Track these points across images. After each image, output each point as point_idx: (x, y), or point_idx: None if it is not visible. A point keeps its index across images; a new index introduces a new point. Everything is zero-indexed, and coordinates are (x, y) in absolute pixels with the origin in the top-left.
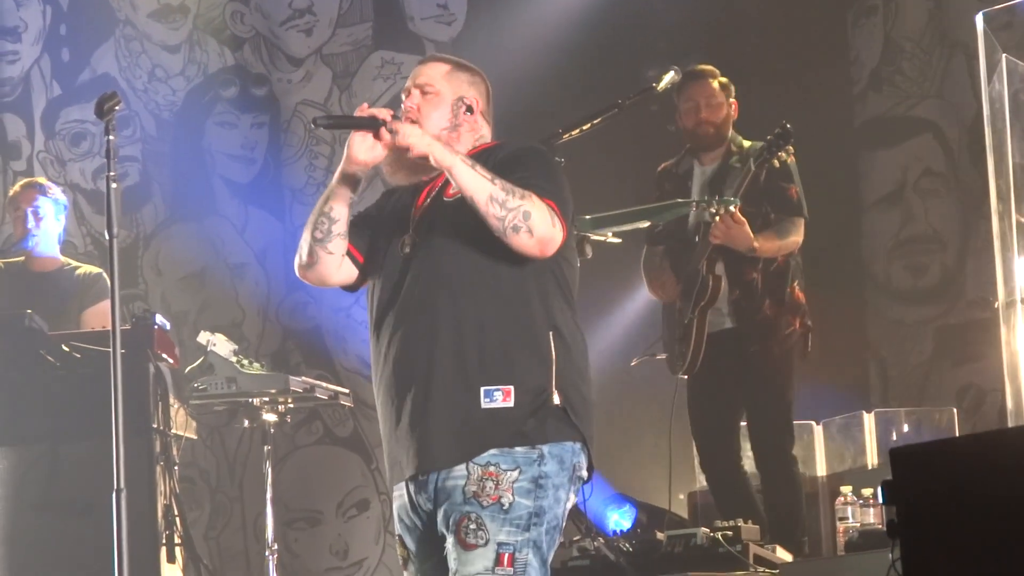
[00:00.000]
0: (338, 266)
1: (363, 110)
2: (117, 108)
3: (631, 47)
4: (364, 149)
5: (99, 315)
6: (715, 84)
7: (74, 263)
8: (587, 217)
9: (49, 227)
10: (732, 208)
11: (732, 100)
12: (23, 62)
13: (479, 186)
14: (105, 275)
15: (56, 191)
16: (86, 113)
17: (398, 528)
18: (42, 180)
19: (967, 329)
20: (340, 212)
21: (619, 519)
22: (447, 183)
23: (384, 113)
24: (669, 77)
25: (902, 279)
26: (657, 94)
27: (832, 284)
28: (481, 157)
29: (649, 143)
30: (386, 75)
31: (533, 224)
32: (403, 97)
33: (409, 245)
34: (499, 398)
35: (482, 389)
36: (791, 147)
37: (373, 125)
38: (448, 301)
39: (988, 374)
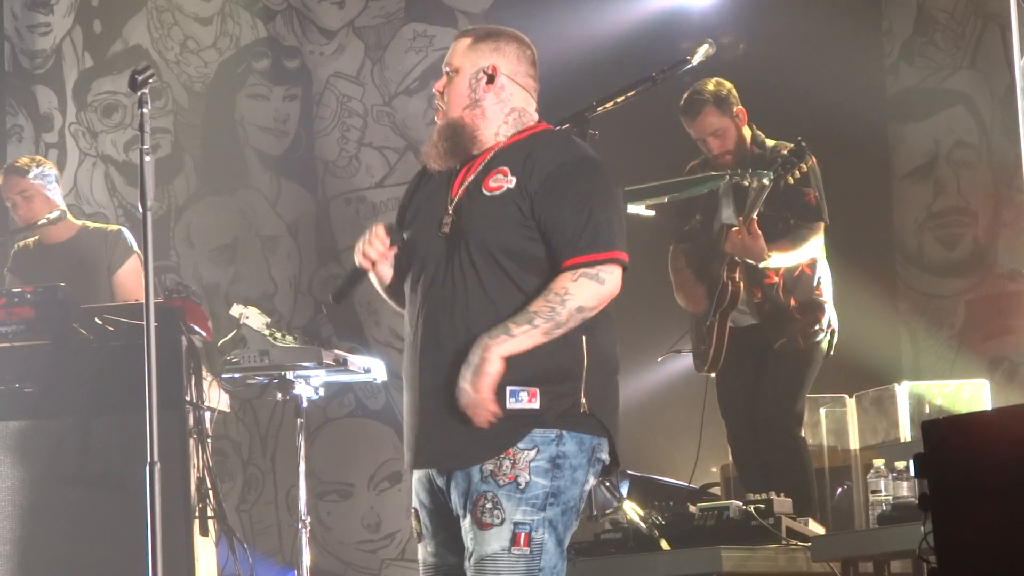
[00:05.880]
0: None
1: (361, 261)
2: (151, 81)
3: (666, 18)
4: (382, 275)
5: (131, 275)
6: (712, 110)
7: (90, 224)
8: None
9: (41, 205)
10: (765, 182)
11: (738, 108)
12: (55, 34)
13: (534, 341)
14: (124, 231)
15: (39, 164)
16: (118, 85)
17: (414, 502)
18: (20, 162)
19: (999, 301)
20: (388, 273)
21: None
22: (485, 171)
23: (377, 245)
24: (703, 50)
25: (934, 251)
26: (691, 67)
27: (864, 257)
28: (519, 154)
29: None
30: (418, 47)
31: (590, 307)
32: None
33: (448, 225)
34: (524, 399)
35: (508, 388)
36: (804, 165)
37: (364, 271)
38: (478, 298)
39: (1020, 346)
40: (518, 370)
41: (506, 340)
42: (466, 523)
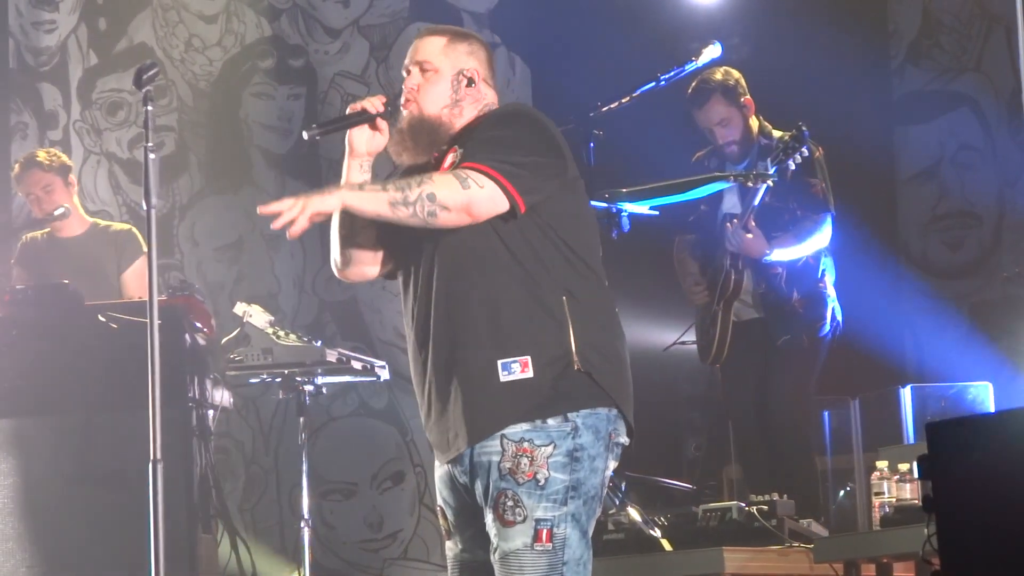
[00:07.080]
0: (372, 259)
1: (354, 108)
2: (156, 79)
3: (671, 18)
4: (364, 140)
5: (139, 274)
6: (719, 99)
7: (103, 221)
8: (624, 190)
9: (61, 198)
10: (770, 182)
11: (745, 98)
12: (60, 31)
13: (377, 203)
14: (135, 231)
15: (56, 158)
16: (123, 82)
17: (439, 500)
18: (40, 156)
19: (1003, 304)
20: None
21: None
22: (442, 158)
23: (376, 103)
24: (709, 51)
25: (938, 254)
26: (698, 68)
27: (868, 259)
28: (473, 127)
29: (690, 116)
30: None
31: (442, 201)
32: (403, 76)
33: None
34: (517, 370)
35: (499, 363)
36: (806, 149)
37: (368, 119)
38: (458, 279)
39: None
40: (506, 341)
41: (353, 190)
42: (489, 519)
